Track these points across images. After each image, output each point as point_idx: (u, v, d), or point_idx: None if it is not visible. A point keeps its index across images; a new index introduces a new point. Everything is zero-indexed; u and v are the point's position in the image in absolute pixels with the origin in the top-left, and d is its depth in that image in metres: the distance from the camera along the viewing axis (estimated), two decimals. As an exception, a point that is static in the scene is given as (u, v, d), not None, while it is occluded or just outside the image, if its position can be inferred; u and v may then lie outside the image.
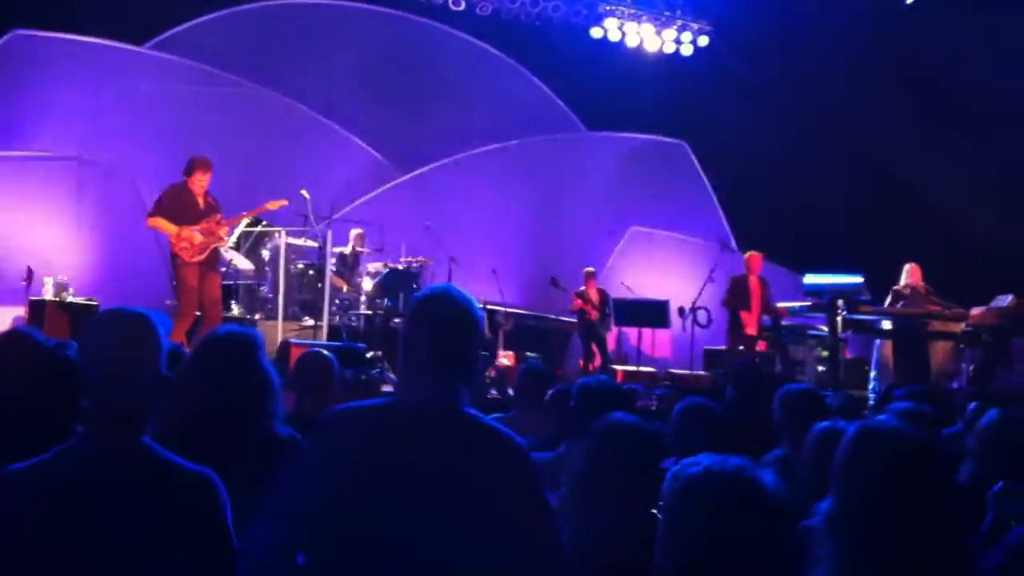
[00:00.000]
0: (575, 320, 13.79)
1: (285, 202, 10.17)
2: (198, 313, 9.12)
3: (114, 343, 2.40)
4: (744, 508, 1.96)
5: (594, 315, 12.98)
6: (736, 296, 11.66)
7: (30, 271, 10.26)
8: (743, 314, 11.54)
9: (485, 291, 12.97)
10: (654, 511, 2.20)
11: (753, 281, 11.75)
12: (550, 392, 4.77)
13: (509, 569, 2.46)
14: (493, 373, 10.85)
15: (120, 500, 2.31)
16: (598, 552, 2.84)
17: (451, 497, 2.43)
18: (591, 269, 13.56)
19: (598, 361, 12.93)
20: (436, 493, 2.42)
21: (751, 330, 11.59)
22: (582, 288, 13.31)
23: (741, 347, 11.58)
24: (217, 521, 2.41)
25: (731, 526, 1.96)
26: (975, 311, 10.43)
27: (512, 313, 13.13)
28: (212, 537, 2.39)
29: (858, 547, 2.11)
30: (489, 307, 12.78)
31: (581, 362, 13.22)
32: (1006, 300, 10.48)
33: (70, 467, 2.33)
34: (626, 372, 12.12)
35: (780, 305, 11.73)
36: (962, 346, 10.65)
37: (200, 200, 9.12)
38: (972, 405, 5.12)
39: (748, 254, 12.06)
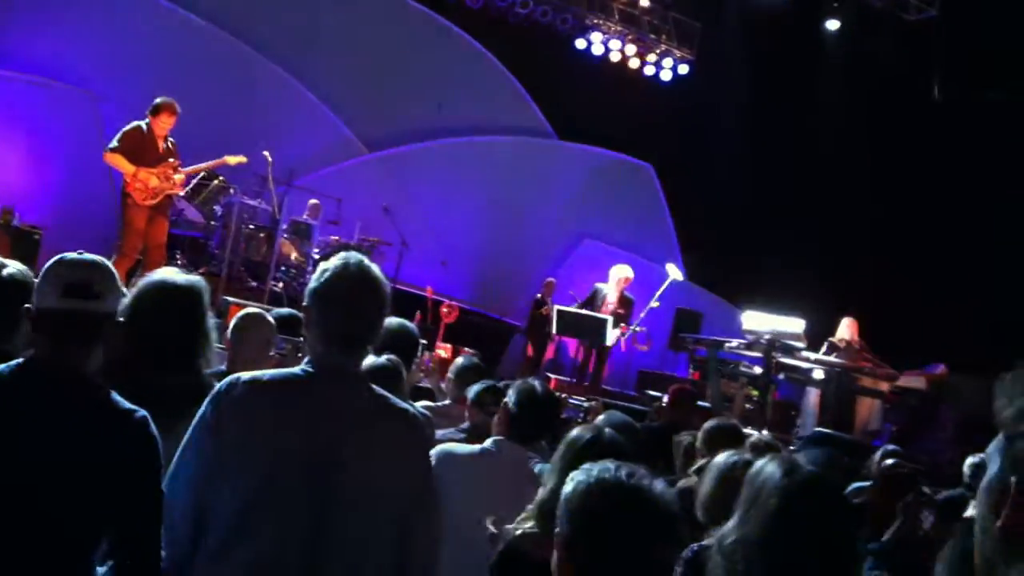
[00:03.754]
0: (517, 323, 13.84)
1: (244, 159, 10.06)
2: (139, 257, 9.02)
3: (86, 262, 2.45)
4: (631, 511, 2.01)
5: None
6: (590, 303, 12.26)
7: (-23, 189, 10.11)
8: None
9: (433, 281, 12.97)
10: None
11: (610, 295, 12.26)
12: (477, 387, 4.78)
13: (383, 543, 2.52)
14: (428, 362, 10.84)
15: (59, 420, 2.33)
16: None
17: (344, 466, 2.49)
18: (552, 280, 13.65)
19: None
20: (328, 462, 2.47)
21: None
22: (539, 296, 13.40)
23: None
24: (147, 459, 2.43)
25: (618, 529, 2.00)
26: (906, 375, 10.64)
27: (456, 307, 13.13)
28: (141, 474, 2.42)
29: (754, 571, 2.17)
30: (434, 297, 12.79)
31: (528, 360, 13.27)
32: (937, 368, 10.70)
33: (15, 382, 2.34)
34: (559, 381, 12.16)
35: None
36: (888, 406, 10.85)
37: (160, 143, 9.02)
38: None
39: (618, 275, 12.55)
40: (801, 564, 2.15)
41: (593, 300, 12.40)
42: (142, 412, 2.45)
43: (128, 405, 2.44)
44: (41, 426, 2.31)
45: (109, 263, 2.51)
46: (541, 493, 3.09)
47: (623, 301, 12.31)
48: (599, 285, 12.52)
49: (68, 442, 2.32)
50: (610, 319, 11.97)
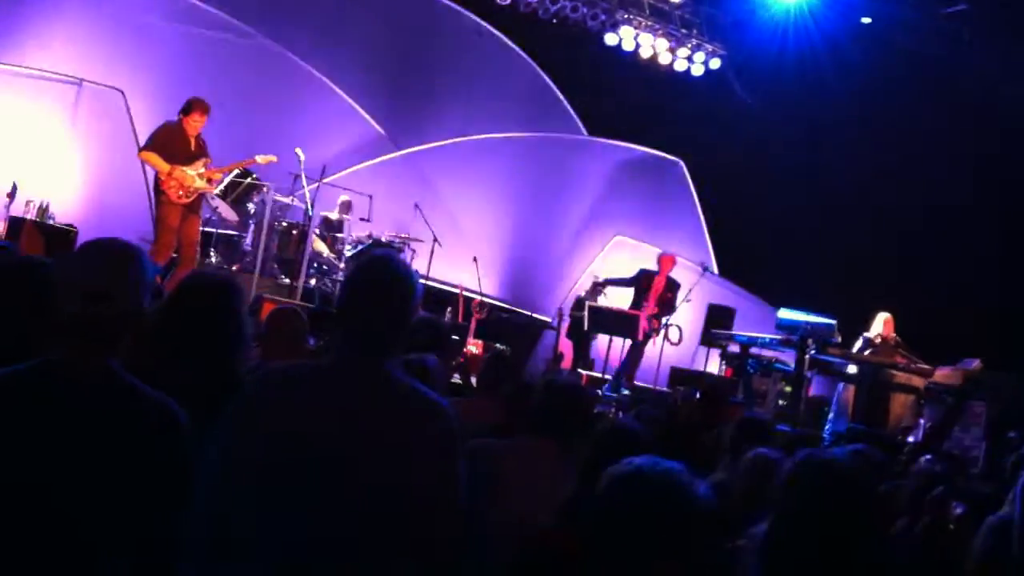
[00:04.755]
0: (549, 320, 13.83)
1: (274, 158, 10.15)
2: (173, 255, 9.12)
3: (100, 261, 2.43)
4: (669, 507, 2.01)
5: None
6: (637, 290, 12.38)
7: (14, 187, 10.21)
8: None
9: (464, 277, 13.00)
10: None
11: (658, 280, 12.36)
12: (510, 384, 4.80)
13: (403, 535, 2.49)
14: (460, 359, 10.87)
15: (81, 419, 2.33)
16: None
17: (367, 458, 2.47)
18: (599, 278, 13.69)
19: (568, 363, 13.01)
20: (353, 453, 2.46)
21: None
22: (581, 296, 13.40)
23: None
24: (177, 450, 2.43)
25: (655, 523, 2.01)
26: (940, 370, 10.55)
27: (487, 303, 13.16)
28: (170, 465, 2.41)
29: (784, 567, 2.17)
30: (466, 294, 12.82)
31: (570, 361, 13.27)
32: (972, 363, 10.60)
33: (37, 381, 2.34)
34: (590, 377, 12.16)
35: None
36: (922, 402, 10.76)
37: (192, 141, 9.12)
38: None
39: (662, 254, 12.51)
40: (821, 548, 2.15)
41: (639, 282, 12.40)
42: (171, 403, 2.46)
43: (157, 396, 2.44)
44: (59, 424, 2.30)
45: (134, 251, 2.49)
46: (568, 487, 3.10)
47: (670, 285, 12.36)
48: (646, 269, 12.57)
49: (87, 439, 2.32)
50: (640, 318, 11.97)
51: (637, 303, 12.43)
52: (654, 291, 12.34)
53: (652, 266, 12.86)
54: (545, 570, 2.80)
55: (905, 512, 4.13)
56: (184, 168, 8.94)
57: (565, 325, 13.34)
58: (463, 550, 2.61)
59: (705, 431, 5.60)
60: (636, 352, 12.36)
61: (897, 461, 5.79)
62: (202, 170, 9.09)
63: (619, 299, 13.33)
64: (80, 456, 2.31)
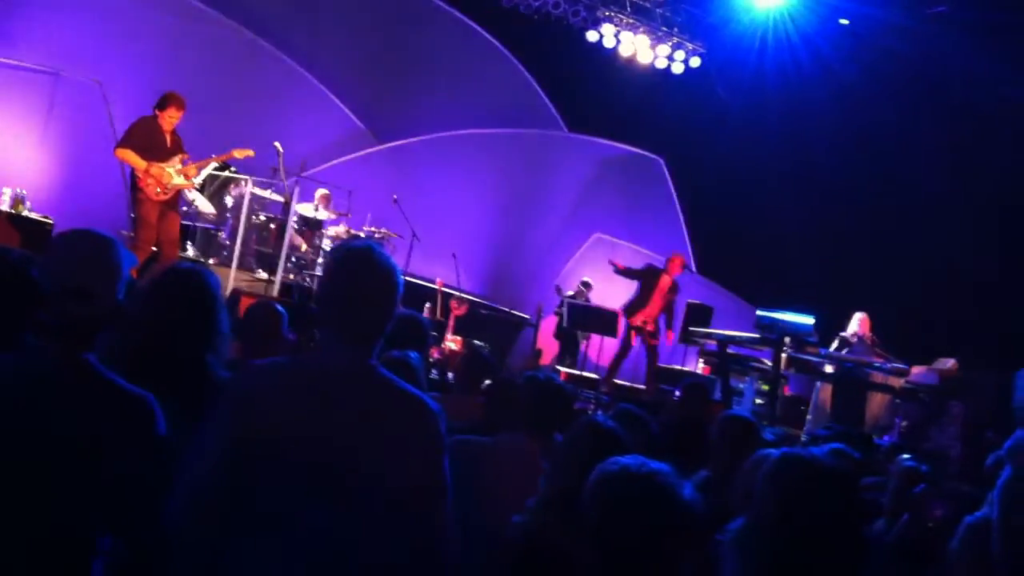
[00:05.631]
0: (528, 316, 13.81)
1: (251, 152, 10.07)
2: (153, 249, 9.04)
3: (78, 258, 2.42)
4: (653, 507, 2.01)
5: None
6: (643, 285, 12.32)
7: (-12, 179, 10.12)
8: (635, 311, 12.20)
9: (443, 273, 12.96)
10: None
11: (664, 279, 12.25)
12: (490, 381, 4.78)
13: (396, 535, 2.48)
14: (437, 354, 10.86)
15: (57, 410, 2.32)
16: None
17: (356, 457, 2.45)
18: (588, 280, 13.66)
19: (547, 360, 13.02)
20: (341, 452, 2.44)
21: (636, 320, 12.17)
22: (569, 293, 13.41)
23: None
24: (154, 444, 2.42)
25: (640, 523, 2.00)
26: (916, 369, 10.60)
27: (466, 299, 13.13)
28: (148, 459, 2.40)
29: (762, 563, 2.16)
30: (444, 289, 12.79)
31: (550, 358, 13.27)
32: (947, 363, 10.66)
33: (12, 372, 2.33)
34: (569, 374, 12.15)
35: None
36: (899, 401, 10.81)
37: (168, 137, 9.04)
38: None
39: (673, 254, 12.49)
40: (799, 545, 2.15)
41: (646, 277, 12.36)
42: (148, 397, 2.44)
43: (133, 390, 2.44)
44: (36, 417, 2.29)
45: (111, 243, 2.48)
46: (547, 485, 3.09)
47: (673, 286, 12.34)
48: (653, 264, 12.55)
49: (64, 432, 2.31)
50: (619, 315, 11.99)
51: (644, 299, 12.32)
52: (659, 290, 12.27)
53: (676, 260, 12.75)
54: (532, 568, 2.79)
55: (885, 510, 4.14)
56: (161, 165, 8.86)
57: (547, 322, 13.34)
58: (451, 547, 2.59)
59: (691, 429, 5.60)
60: (622, 352, 12.34)
61: (875, 460, 5.81)
62: (179, 166, 9.01)
63: (611, 298, 13.35)
64: (57, 449, 2.29)
